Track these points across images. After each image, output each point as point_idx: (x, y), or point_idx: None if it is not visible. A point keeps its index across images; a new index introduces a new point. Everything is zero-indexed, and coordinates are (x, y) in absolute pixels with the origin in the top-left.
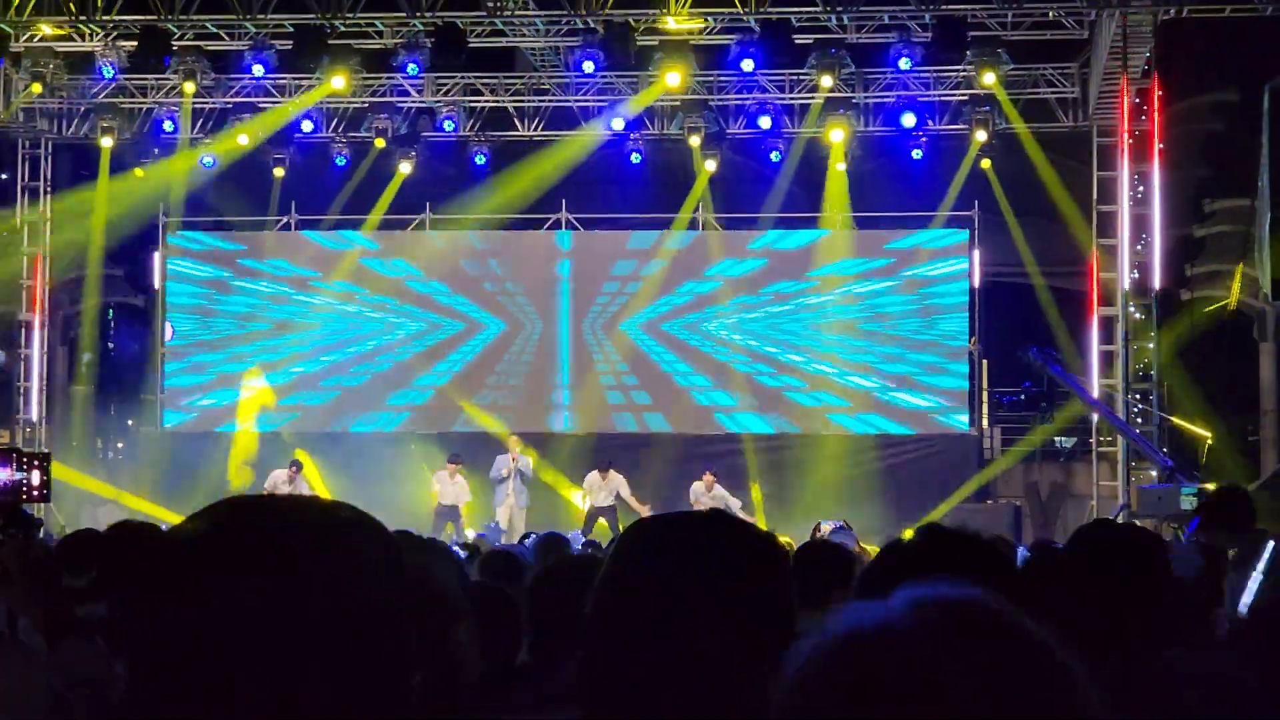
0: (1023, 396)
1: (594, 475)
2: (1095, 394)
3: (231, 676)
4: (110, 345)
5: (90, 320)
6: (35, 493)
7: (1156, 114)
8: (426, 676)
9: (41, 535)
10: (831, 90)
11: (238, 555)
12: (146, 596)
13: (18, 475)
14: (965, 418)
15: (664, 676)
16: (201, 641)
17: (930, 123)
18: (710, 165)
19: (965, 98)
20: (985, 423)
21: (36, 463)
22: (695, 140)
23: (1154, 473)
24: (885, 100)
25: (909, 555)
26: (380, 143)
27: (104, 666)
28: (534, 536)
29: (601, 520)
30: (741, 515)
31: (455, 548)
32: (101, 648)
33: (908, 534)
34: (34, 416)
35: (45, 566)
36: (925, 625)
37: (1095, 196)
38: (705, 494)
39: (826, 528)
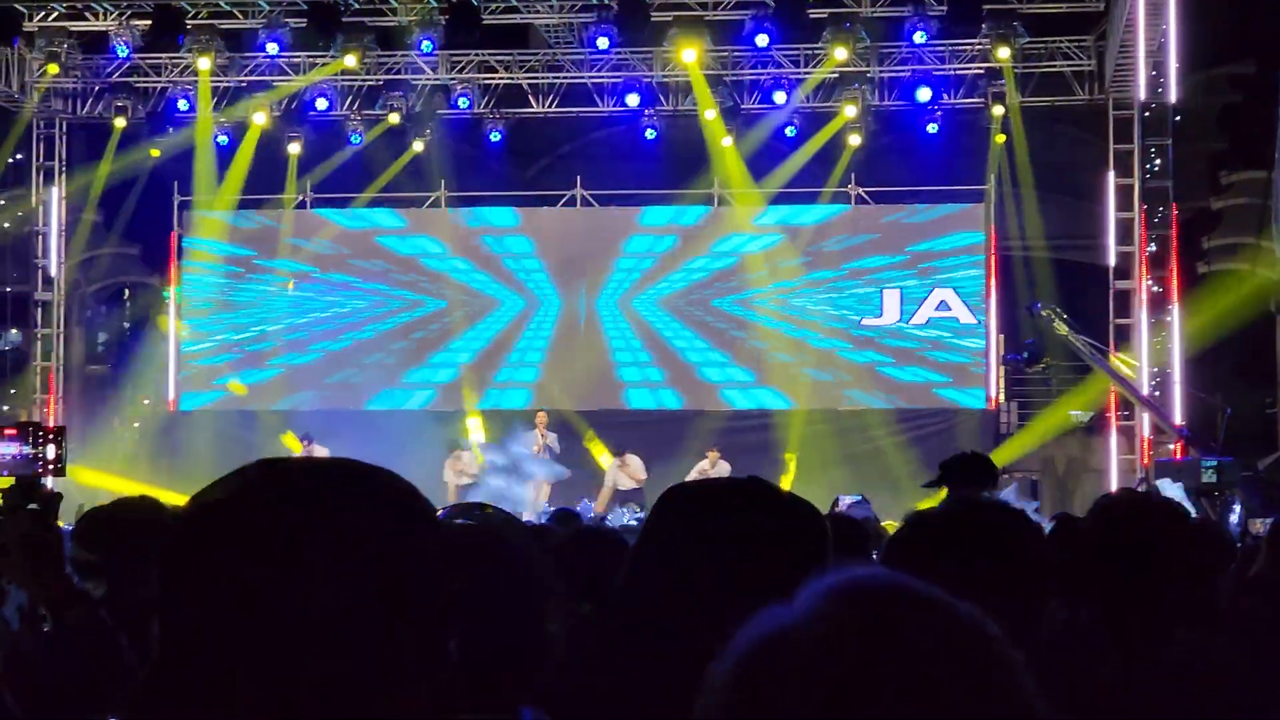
0: (1025, 355)
1: (613, 466)
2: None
3: (264, 638)
4: (126, 325)
5: (106, 300)
6: (51, 466)
7: (1173, 87)
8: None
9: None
10: (846, 65)
11: (270, 515)
12: (178, 561)
13: (32, 450)
14: (981, 393)
15: (698, 642)
16: (232, 604)
17: (945, 97)
18: (726, 141)
19: (981, 71)
20: (1001, 397)
21: (51, 437)
22: (711, 115)
23: (1171, 446)
24: (900, 74)
25: (936, 524)
26: (394, 120)
27: (109, 639)
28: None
29: (631, 503)
30: None
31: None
32: (105, 620)
33: (924, 505)
34: (50, 396)
35: (45, 541)
36: (824, 621)
37: (1111, 170)
38: (710, 471)
39: (846, 502)
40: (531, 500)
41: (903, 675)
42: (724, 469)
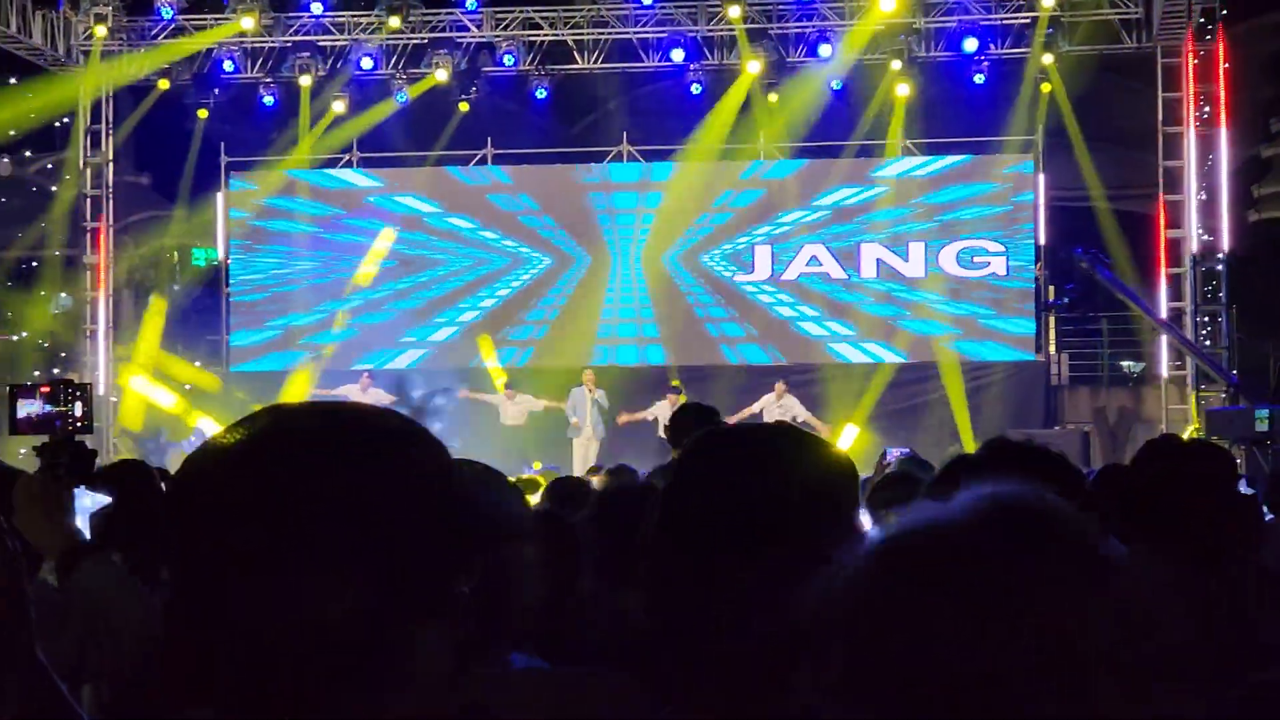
0: (1065, 300)
1: (663, 404)
2: (1158, 310)
3: (276, 579)
4: (175, 287)
5: (155, 262)
6: (78, 424)
7: (1221, 34)
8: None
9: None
10: (892, 16)
11: (276, 460)
12: (186, 505)
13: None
14: (1032, 344)
15: (727, 588)
16: (243, 547)
17: (992, 47)
18: (772, 96)
19: (1028, 20)
20: (1052, 348)
21: (77, 393)
22: (755, 69)
23: (1223, 395)
24: (947, 25)
25: (974, 466)
26: (441, 78)
27: (125, 585)
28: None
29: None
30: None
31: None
32: (120, 566)
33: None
34: (100, 359)
35: (53, 494)
36: (981, 519)
37: (1160, 118)
38: (775, 403)
39: (894, 455)
40: (582, 457)
41: (1045, 581)
42: (791, 402)
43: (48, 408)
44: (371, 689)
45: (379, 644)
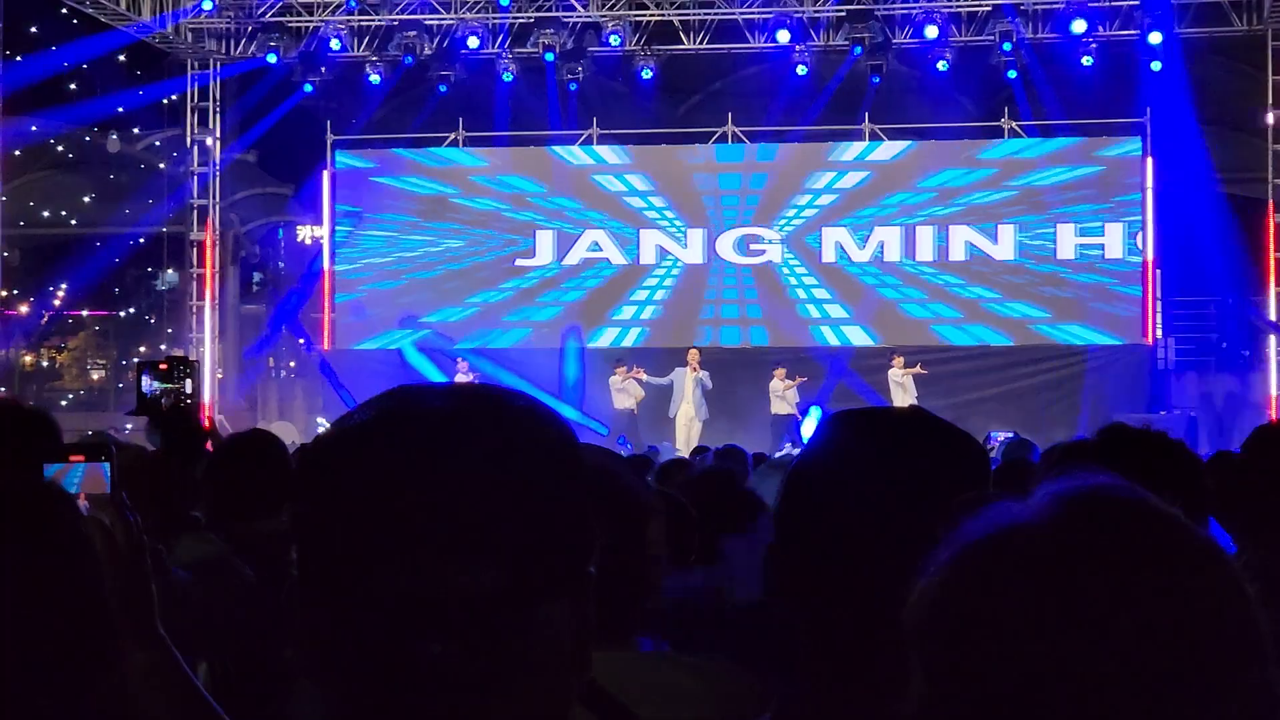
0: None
1: (775, 382)
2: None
3: (406, 558)
4: (280, 264)
5: (260, 239)
6: (188, 400)
7: None
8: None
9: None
10: None
11: (407, 440)
12: (317, 485)
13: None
14: (1138, 328)
15: (852, 569)
16: (374, 526)
17: (1101, 29)
18: (875, 78)
19: (1136, 2)
20: (1159, 333)
21: (188, 371)
22: (860, 51)
23: None
24: (1055, 6)
25: (1090, 454)
26: (545, 59)
27: (224, 558)
28: (711, 450)
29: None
30: None
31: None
32: (219, 542)
33: None
34: (205, 335)
35: (158, 470)
36: (1062, 518)
37: (1270, 100)
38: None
39: (996, 440)
40: (685, 438)
41: (1131, 583)
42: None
43: (159, 384)
44: (497, 668)
45: (507, 623)
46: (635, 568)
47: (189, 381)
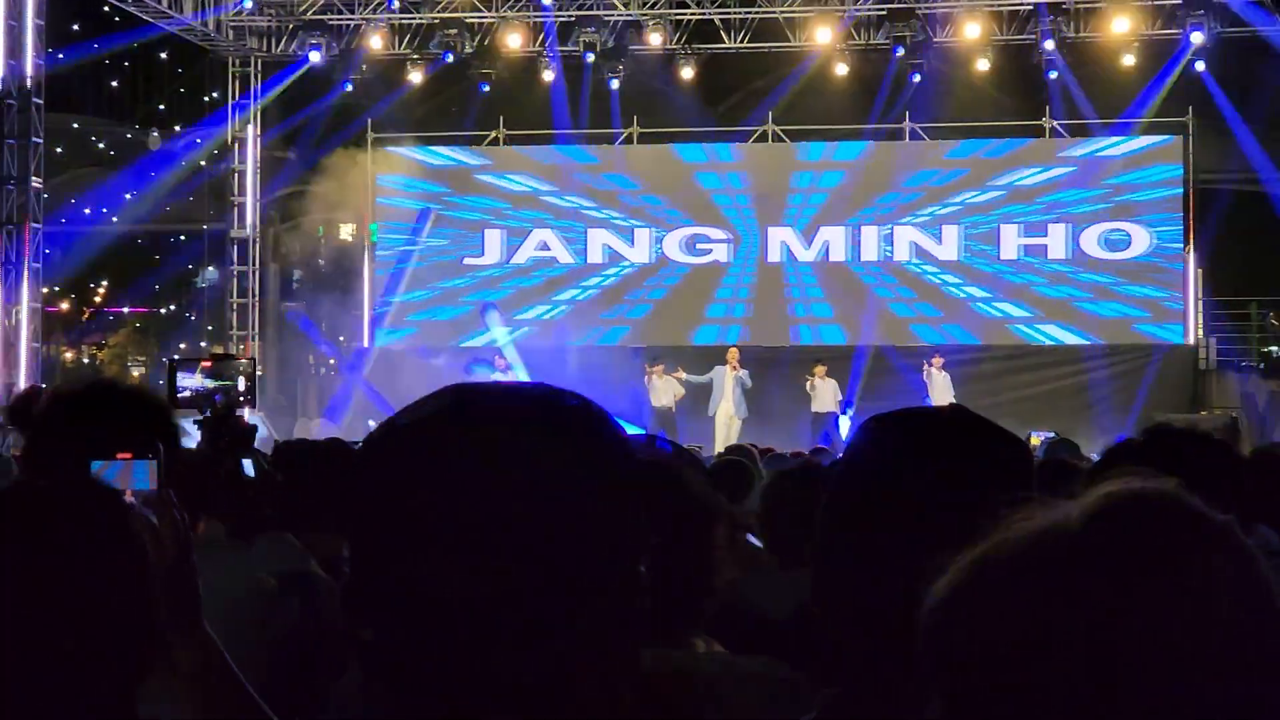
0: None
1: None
2: None
3: (461, 558)
4: (321, 262)
5: (300, 237)
6: (242, 398)
7: None
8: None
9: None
10: None
11: (463, 439)
12: (370, 485)
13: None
14: (1179, 328)
15: (895, 573)
16: (429, 525)
17: (1142, 28)
18: (915, 77)
19: (1178, 1)
20: (1200, 333)
21: (242, 369)
22: (901, 50)
23: None
24: (1096, 6)
25: (1135, 454)
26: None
27: (300, 559)
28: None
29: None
30: None
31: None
32: (294, 542)
33: None
34: (246, 333)
35: (234, 474)
36: (1104, 524)
37: None
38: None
39: (1036, 440)
40: (724, 436)
41: (1174, 588)
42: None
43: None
44: (548, 666)
45: (559, 622)
46: (696, 569)
47: (242, 379)
